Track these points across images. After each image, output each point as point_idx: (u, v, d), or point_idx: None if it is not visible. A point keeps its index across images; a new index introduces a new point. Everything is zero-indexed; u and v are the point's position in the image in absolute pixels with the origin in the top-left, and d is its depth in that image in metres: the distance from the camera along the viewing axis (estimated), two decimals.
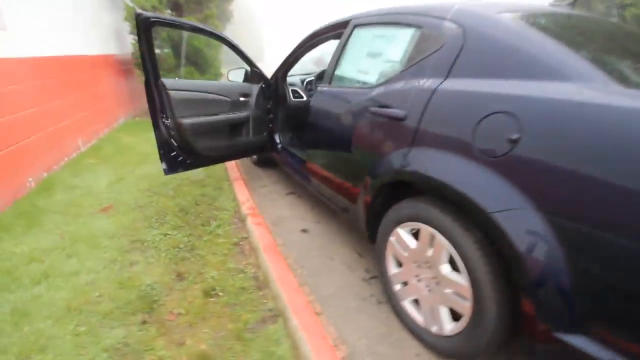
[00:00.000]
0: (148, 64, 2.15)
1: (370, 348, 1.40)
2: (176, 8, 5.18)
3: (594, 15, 2.28)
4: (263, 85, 2.84)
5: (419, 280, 1.40)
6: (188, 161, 2.53)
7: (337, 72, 1.95)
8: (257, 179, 3.20)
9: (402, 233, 1.42)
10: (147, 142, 4.21)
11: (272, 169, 3.42)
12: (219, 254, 1.97)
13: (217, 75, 5.78)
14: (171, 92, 2.27)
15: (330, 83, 1.98)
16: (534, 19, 1.28)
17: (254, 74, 2.81)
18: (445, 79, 1.25)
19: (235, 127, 2.69)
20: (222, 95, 2.59)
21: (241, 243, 2.08)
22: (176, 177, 3.04)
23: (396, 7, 1.67)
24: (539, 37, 1.11)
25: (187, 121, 2.32)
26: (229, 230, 2.21)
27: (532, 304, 0.96)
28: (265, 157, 3.33)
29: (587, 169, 0.85)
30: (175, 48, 5.23)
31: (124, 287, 1.67)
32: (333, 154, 1.92)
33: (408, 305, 1.48)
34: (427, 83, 1.30)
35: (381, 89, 1.52)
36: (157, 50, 5.23)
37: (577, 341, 0.89)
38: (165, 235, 2.15)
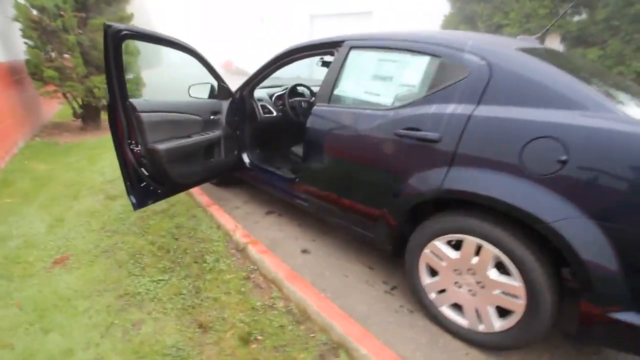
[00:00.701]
0: (115, 82, 1.82)
1: (426, 357, 1.48)
2: (84, 9, 4.37)
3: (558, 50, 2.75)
4: (232, 102, 2.67)
5: (459, 287, 1.54)
6: (159, 191, 2.22)
7: (336, 92, 1.97)
8: (226, 201, 2.97)
9: (440, 245, 1.54)
10: (68, 170, 3.51)
11: (236, 188, 3.21)
12: (233, 292, 1.79)
13: (138, 85, 5.10)
14: (142, 115, 1.96)
15: (328, 102, 1.99)
16: (539, 54, 1.52)
17: (221, 90, 2.61)
18: (477, 106, 1.40)
19: (208, 148, 2.46)
20: (194, 115, 2.34)
21: (252, 276, 1.93)
22: (131, 210, 2.62)
23: (400, 34, 1.78)
24: (556, 72, 1.34)
25: (161, 147, 2.04)
26: (230, 264, 2.02)
27: (591, 292, 1.17)
28: (226, 176, 3.12)
29: (624, 182, 1.08)
30: (85, 55, 4.42)
31: (144, 356, 1.38)
32: (342, 174, 1.93)
33: (447, 311, 1.60)
34: (459, 108, 1.44)
35: (404, 112, 1.61)
36: (66, 55, 4.37)
37: (627, 317, 1.13)
38: (157, 282, 1.84)
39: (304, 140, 2.10)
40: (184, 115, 2.25)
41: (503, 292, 1.39)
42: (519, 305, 1.36)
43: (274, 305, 1.69)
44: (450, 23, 9.31)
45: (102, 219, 2.49)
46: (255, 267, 1.98)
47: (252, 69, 2.88)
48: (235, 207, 2.90)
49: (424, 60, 1.62)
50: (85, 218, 2.50)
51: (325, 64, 2.74)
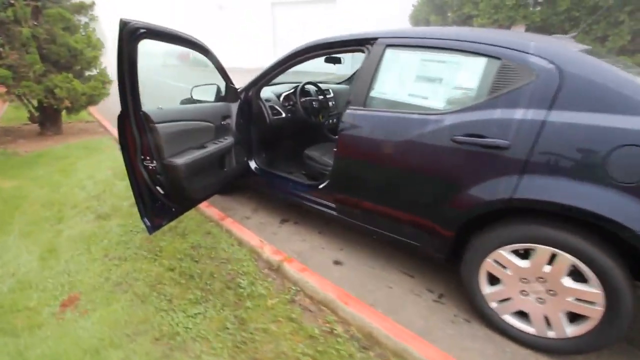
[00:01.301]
0: (128, 89, 1.55)
1: None
2: None
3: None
4: (241, 104, 2.44)
5: (525, 295, 1.52)
6: (173, 209, 1.98)
7: (373, 95, 1.84)
8: (233, 211, 2.76)
9: (506, 254, 1.50)
10: (40, 185, 3.06)
11: (239, 196, 2.99)
12: (282, 320, 1.63)
13: (104, 83, 4.56)
14: (158, 126, 1.70)
15: (364, 106, 1.86)
16: (598, 56, 1.49)
17: (229, 92, 2.37)
18: (549, 111, 1.35)
19: (222, 157, 2.23)
20: (207, 121, 2.10)
21: (297, 298, 1.78)
22: (134, 230, 2.33)
23: (447, 32, 1.68)
24: (625, 76, 1.32)
25: (180, 161, 1.80)
26: (269, 286, 1.85)
27: None
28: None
29: None
30: (42, 50, 3.84)
31: None
32: (385, 183, 1.82)
33: (511, 319, 1.58)
34: (529, 114, 1.38)
35: (463, 117, 1.52)
36: (15, 55, 3.74)
37: None
38: (193, 317, 1.63)
39: (337, 146, 1.96)
40: (198, 122, 2.00)
41: (577, 299, 1.38)
42: (595, 312, 1.35)
43: (334, 331, 1.57)
44: (420, 12, 9.41)
45: (102, 245, 2.18)
46: (298, 288, 1.83)
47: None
48: (245, 217, 2.69)
49: (481, 61, 1.53)
50: (82, 245, 2.17)
51: (330, 60, 2.58)
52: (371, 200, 1.92)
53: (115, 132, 5.07)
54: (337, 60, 2.76)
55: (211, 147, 2.05)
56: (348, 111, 1.90)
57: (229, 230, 2.33)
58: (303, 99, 2.78)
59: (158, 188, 1.81)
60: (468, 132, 1.50)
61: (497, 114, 1.45)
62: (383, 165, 1.80)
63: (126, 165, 1.71)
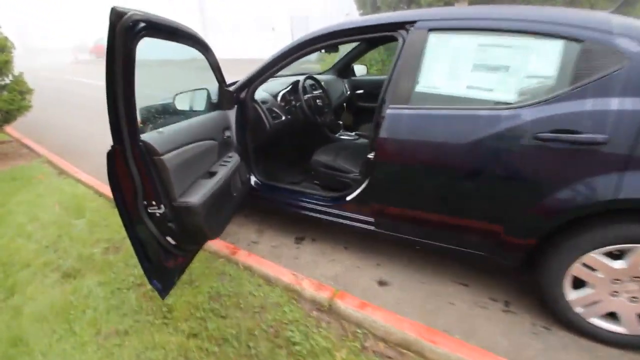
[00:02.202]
0: (123, 110, 1.07)
1: None
2: None
3: None
4: (239, 110, 2.00)
5: (616, 295, 1.41)
6: (179, 259, 1.55)
7: (420, 90, 1.57)
8: (234, 236, 2.35)
9: (598, 257, 1.37)
10: None
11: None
12: None
13: (23, 94, 3.60)
14: (165, 158, 1.24)
15: (408, 103, 1.58)
16: None
17: (224, 96, 1.90)
18: None
19: (232, 180, 1.81)
20: (210, 139, 1.65)
21: (367, 344, 1.48)
22: (122, 287, 1.83)
23: (508, 12, 1.45)
24: None
25: (195, 200, 1.37)
26: (328, 334, 1.53)
27: None
28: None
29: None
30: None
31: None
32: (447, 190, 1.58)
33: (599, 321, 1.48)
34: (626, 104, 1.22)
35: (545, 110, 1.32)
36: None
37: None
38: None
39: (377, 152, 1.67)
40: (202, 143, 1.55)
41: None
42: None
43: None
44: None
45: (86, 318, 1.63)
46: (364, 330, 1.54)
47: None
48: (252, 242, 2.30)
49: (557, 45, 1.33)
50: (58, 323, 1.61)
51: (329, 48, 2.25)
52: (425, 209, 1.68)
53: (46, 151, 4.11)
54: (335, 49, 2.42)
55: (221, 172, 1.61)
56: (390, 111, 1.60)
57: (248, 267, 1.93)
58: (307, 97, 2.40)
59: (169, 239, 1.36)
60: (555, 127, 1.30)
61: (589, 105, 1.27)
62: (443, 170, 1.56)
63: (123, 217, 1.23)
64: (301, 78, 2.48)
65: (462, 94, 1.50)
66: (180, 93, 1.82)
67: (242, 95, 2.08)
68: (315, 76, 3.03)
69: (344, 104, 3.12)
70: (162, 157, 1.22)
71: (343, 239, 2.27)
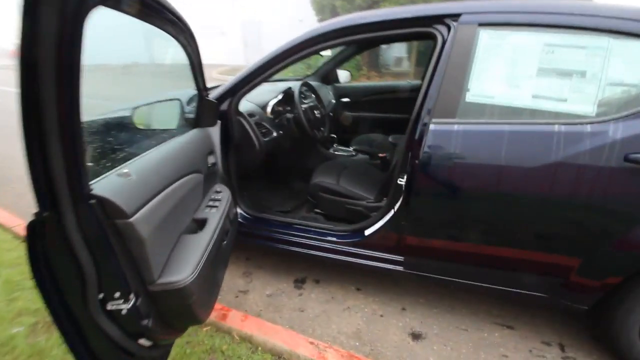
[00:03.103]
0: (55, 133, 0.57)
1: None
2: None
3: None
4: (224, 126, 1.53)
5: None
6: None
7: (471, 100, 1.25)
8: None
9: None
10: None
11: None
12: None
13: None
14: (136, 221, 0.75)
15: (456, 116, 1.25)
16: None
17: (205, 109, 1.41)
18: None
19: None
20: (194, 171, 1.15)
21: None
22: None
23: (580, 4, 1.18)
24: None
25: (184, 277, 0.88)
26: None
27: None
28: None
29: None
30: None
31: None
32: (508, 219, 1.28)
33: None
34: None
35: (637, 127, 1.07)
36: None
37: None
38: None
39: (413, 178, 1.31)
40: (186, 179, 1.05)
41: None
42: None
43: None
44: None
45: None
46: None
47: None
48: (241, 291, 1.82)
49: None
50: None
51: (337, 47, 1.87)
52: (478, 243, 1.36)
53: None
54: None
55: (212, 220, 1.12)
56: (434, 127, 1.26)
57: (246, 337, 1.44)
58: (304, 107, 1.97)
59: (142, 341, 0.85)
60: None
61: None
62: (505, 197, 1.24)
63: (60, 326, 0.71)
64: (295, 85, 2.05)
65: (526, 105, 1.20)
66: (141, 106, 1.30)
67: (224, 107, 1.60)
68: (288, 81, 2.63)
69: (330, 114, 2.75)
70: (131, 221, 0.73)
71: (352, 277, 1.88)
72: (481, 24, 1.23)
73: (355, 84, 3.29)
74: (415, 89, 2.82)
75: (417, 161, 1.30)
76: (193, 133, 1.29)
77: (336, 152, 2.33)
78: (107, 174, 0.77)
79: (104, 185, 0.72)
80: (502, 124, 1.20)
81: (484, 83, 1.24)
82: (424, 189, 1.33)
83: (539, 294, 1.36)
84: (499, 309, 1.67)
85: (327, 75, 2.90)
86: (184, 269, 0.86)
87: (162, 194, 0.87)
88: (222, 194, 1.29)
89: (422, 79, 2.84)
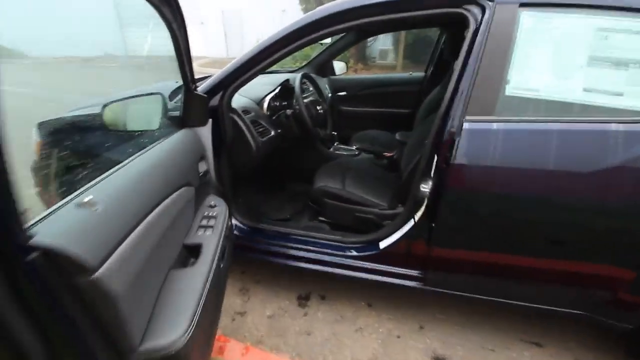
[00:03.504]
0: None
1: None
2: None
3: None
4: (217, 124, 1.29)
5: None
6: None
7: (510, 93, 1.06)
8: None
9: None
10: None
11: None
12: None
13: None
14: (102, 275, 0.51)
15: (495, 113, 1.07)
16: None
17: (194, 105, 1.16)
18: None
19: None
20: (185, 184, 0.92)
21: None
22: None
23: None
24: None
25: (176, 339, 0.66)
26: None
27: None
28: None
29: None
30: None
31: None
32: (562, 231, 1.11)
33: None
34: None
35: None
36: None
37: None
38: None
39: (442, 184, 1.13)
40: (173, 198, 0.82)
41: None
42: None
43: None
44: None
45: None
46: None
47: None
48: (238, 313, 1.61)
49: None
50: None
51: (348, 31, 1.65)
52: (519, 253, 1.20)
53: None
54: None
55: (209, 246, 0.89)
56: (469, 125, 1.07)
57: None
58: (306, 101, 1.74)
59: None
60: None
61: None
62: (546, 205, 1.08)
63: None
64: (294, 77, 1.82)
65: (576, 100, 1.03)
66: (113, 102, 1.05)
67: (214, 102, 1.36)
68: (279, 73, 2.39)
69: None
70: (96, 276, 0.50)
71: (361, 291, 1.69)
72: (523, 4, 1.05)
73: (352, 76, 3.08)
74: (418, 82, 2.64)
75: (447, 165, 1.11)
76: (180, 135, 1.05)
77: (337, 152, 2.12)
78: (60, 204, 0.53)
79: (53, 226, 0.48)
80: (549, 122, 1.03)
81: (526, 74, 1.06)
82: (455, 197, 1.14)
83: (578, 312, 1.22)
84: (523, 323, 1.53)
85: (323, 67, 2.67)
86: (177, 325, 0.64)
87: (142, 224, 0.65)
88: (218, 209, 1.06)
89: (425, 70, 2.67)
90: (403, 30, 5.58)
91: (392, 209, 1.54)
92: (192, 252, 0.86)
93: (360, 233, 1.56)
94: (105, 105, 1.03)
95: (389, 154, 1.98)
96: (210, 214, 1.01)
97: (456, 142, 1.08)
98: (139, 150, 0.86)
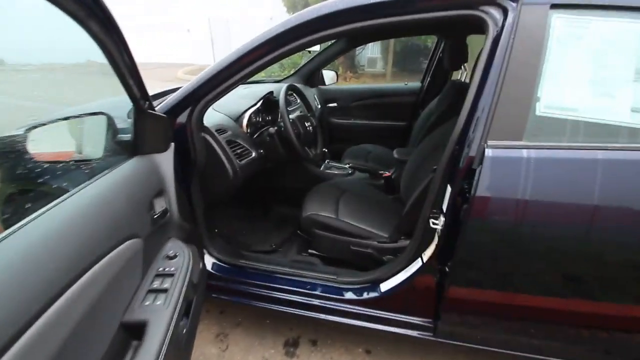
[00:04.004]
0: None
1: None
2: None
3: None
4: (181, 150, 1.06)
5: None
6: None
7: (541, 113, 0.87)
8: None
9: None
10: None
11: None
12: None
13: None
14: None
15: (522, 137, 0.87)
16: None
17: (150, 126, 0.92)
18: None
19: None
20: (125, 238, 0.68)
21: None
22: None
23: None
24: None
25: None
26: None
27: None
28: None
29: None
30: None
31: None
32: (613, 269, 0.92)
33: None
34: None
35: None
36: None
37: None
38: None
39: (462, 221, 0.92)
40: (105, 262, 0.58)
41: None
42: None
43: None
44: None
45: None
46: None
47: None
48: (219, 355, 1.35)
49: None
50: None
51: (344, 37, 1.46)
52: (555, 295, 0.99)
53: None
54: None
55: (157, 328, 0.65)
56: (492, 152, 0.87)
57: None
58: (292, 117, 1.52)
59: None
60: None
61: None
62: (592, 241, 0.88)
63: None
64: (277, 88, 1.59)
65: (624, 122, 0.84)
66: (42, 125, 0.81)
67: (182, 119, 1.13)
68: (264, 82, 2.18)
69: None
70: None
71: (357, 334, 1.47)
72: (555, 5, 0.86)
73: (343, 86, 2.89)
74: (414, 93, 2.47)
75: (466, 199, 0.90)
76: (129, 167, 0.81)
77: (329, 170, 1.90)
78: None
79: None
80: (593, 149, 0.83)
81: (560, 90, 0.87)
82: (479, 234, 0.93)
83: None
84: None
85: (311, 77, 2.47)
86: None
87: (52, 310, 0.42)
88: (178, 260, 0.82)
89: (422, 81, 2.50)
90: (400, 37, 5.37)
91: (394, 242, 1.33)
92: (134, 332, 0.63)
93: (358, 268, 1.35)
94: (29, 129, 0.79)
95: (386, 175, 1.78)
96: (166, 270, 0.78)
97: (478, 172, 0.87)
98: (64, 193, 0.63)
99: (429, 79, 2.36)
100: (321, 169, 1.92)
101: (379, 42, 9.02)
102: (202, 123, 1.21)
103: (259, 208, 1.88)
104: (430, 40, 7.78)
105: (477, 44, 2.14)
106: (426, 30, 2.30)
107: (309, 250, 1.49)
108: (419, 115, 2.23)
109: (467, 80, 2.02)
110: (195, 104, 1.13)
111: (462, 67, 1.96)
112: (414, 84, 2.51)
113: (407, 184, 1.53)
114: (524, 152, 0.86)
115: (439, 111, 1.85)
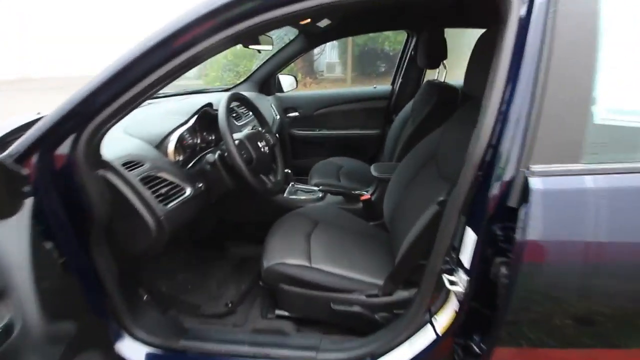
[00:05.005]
0: None
1: None
2: None
3: None
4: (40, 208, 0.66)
5: None
6: None
7: (602, 120, 0.59)
8: None
9: None
10: None
11: None
12: None
13: None
14: None
15: (580, 159, 0.58)
16: None
17: None
18: None
19: None
20: None
21: None
22: None
23: None
24: None
25: None
26: None
27: None
28: None
29: None
30: None
31: None
32: None
33: None
34: None
35: None
36: None
37: None
38: None
39: (506, 283, 0.60)
40: None
41: None
42: None
43: None
44: None
45: None
46: None
47: None
48: None
49: None
50: None
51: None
52: None
53: None
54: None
55: None
56: (538, 184, 0.56)
57: None
58: (239, 138, 1.12)
59: None
60: None
61: None
62: None
63: None
64: (218, 99, 1.19)
65: None
66: None
67: (63, 151, 0.74)
68: (208, 92, 1.81)
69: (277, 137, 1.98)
70: None
71: None
72: None
73: (304, 92, 2.57)
74: (385, 97, 2.20)
75: (506, 248, 0.60)
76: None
77: (294, 196, 1.55)
78: None
79: None
80: None
81: (626, 88, 0.60)
82: (534, 298, 0.62)
83: None
84: None
85: (266, 83, 2.11)
86: None
87: None
88: None
89: (392, 83, 2.24)
90: (366, 33, 5.17)
91: (389, 294, 1.01)
92: None
93: (341, 332, 1.02)
94: None
95: (364, 197, 1.46)
96: None
97: (522, 215, 0.57)
98: None
99: (400, 80, 2.10)
100: (285, 194, 1.56)
101: (337, 47, 8.89)
102: (99, 156, 0.81)
103: (208, 249, 1.48)
104: (388, 43, 7.75)
105: (455, 39, 1.93)
106: (397, 24, 2.05)
107: (277, 312, 1.13)
108: (392, 122, 1.96)
109: (447, 80, 1.79)
110: (81, 129, 0.74)
111: (442, 64, 1.72)
112: (384, 86, 2.25)
113: (392, 213, 1.23)
114: (587, 180, 0.57)
115: (419, 119, 1.58)
